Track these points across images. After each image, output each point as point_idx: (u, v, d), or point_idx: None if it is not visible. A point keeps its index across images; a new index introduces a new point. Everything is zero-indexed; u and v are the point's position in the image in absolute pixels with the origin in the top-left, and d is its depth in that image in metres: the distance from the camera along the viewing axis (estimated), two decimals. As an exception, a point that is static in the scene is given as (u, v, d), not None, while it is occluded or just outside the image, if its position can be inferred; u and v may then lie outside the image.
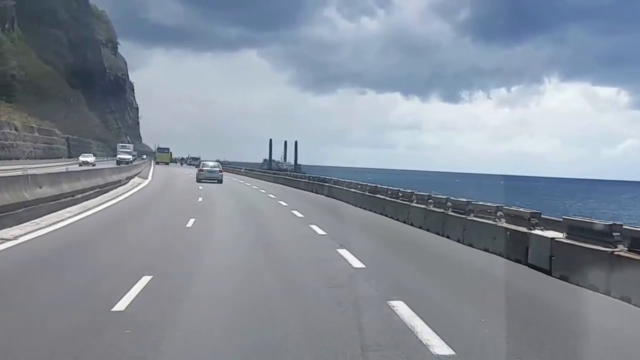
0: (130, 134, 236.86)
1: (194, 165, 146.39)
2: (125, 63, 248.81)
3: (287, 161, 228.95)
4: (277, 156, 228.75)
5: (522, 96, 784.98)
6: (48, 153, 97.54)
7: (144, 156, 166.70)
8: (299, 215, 31.50)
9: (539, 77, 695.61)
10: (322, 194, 49.73)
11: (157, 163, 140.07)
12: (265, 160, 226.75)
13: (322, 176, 56.13)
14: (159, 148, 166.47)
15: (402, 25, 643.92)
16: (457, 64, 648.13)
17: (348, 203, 40.48)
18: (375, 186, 35.74)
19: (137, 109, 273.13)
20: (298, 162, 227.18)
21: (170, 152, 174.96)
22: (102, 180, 43.49)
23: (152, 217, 28.66)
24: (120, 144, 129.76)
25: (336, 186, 46.57)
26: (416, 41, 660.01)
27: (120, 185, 50.60)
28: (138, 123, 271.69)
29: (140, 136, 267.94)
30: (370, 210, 34.81)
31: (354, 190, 40.74)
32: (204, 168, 70.45)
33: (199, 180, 65.94)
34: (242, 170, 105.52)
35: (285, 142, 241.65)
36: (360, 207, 37.26)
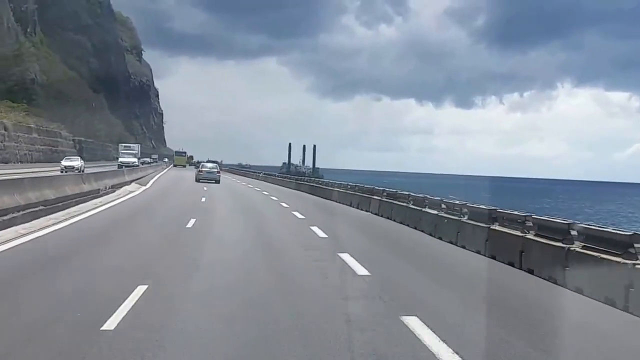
0: (154, 138, 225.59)
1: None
2: (150, 70, 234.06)
3: (306, 164, 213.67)
4: (296, 160, 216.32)
5: (534, 101, 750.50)
6: (50, 156, 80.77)
7: (166, 159, 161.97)
8: (354, 264, 15.13)
9: (552, 83, 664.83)
10: (367, 211, 32.70)
11: (175, 166, 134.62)
12: (284, 163, 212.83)
13: (364, 185, 39.00)
14: (176, 152, 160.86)
15: (418, 31, 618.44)
16: (471, 70, 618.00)
17: (422, 231, 23.65)
18: (495, 210, 18.57)
19: (162, 114, 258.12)
20: (316, 166, 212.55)
21: (190, 156, 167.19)
22: (53, 193, 26.93)
23: (65, 277, 12.07)
24: (124, 145, 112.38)
25: (394, 202, 29.32)
26: (432, 48, 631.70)
27: (96, 197, 34.31)
28: (163, 128, 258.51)
29: (164, 140, 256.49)
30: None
31: (430, 211, 23.66)
32: (202, 169, 67.53)
33: (198, 180, 63.27)
34: (260, 175, 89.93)
35: (304, 146, 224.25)
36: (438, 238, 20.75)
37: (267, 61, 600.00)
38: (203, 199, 38.38)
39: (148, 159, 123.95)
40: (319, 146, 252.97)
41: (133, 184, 49.47)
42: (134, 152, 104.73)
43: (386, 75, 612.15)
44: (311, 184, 55.85)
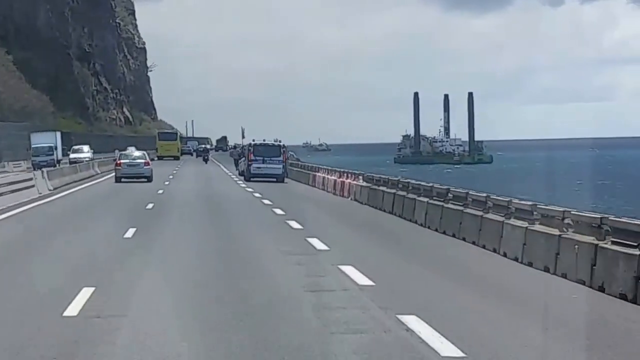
0: (131, 101, 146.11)
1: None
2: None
3: (453, 136, 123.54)
4: (430, 128, 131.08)
5: None
6: None
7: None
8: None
9: None
10: None
11: (160, 158, 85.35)
12: (407, 137, 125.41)
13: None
14: (160, 132, 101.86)
15: None
16: None
17: None
18: None
19: (145, 50, 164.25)
20: (475, 138, 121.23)
21: (223, 137, 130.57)
22: None
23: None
24: None
25: None
26: None
27: None
28: (148, 80, 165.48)
29: (153, 107, 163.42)
30: None
31: None
32: (122, 161, 44.63)
33: (118, 180, 43.27)
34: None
35: (446, 97, 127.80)
36: None
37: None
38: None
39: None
40: (452, 99, 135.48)
41: None
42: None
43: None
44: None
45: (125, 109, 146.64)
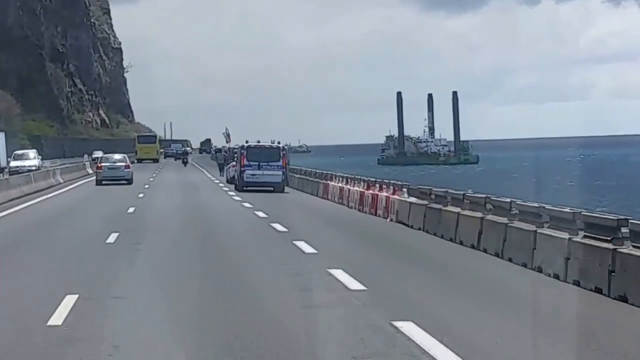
0: (108, 104, 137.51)
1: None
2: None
3: (438, 137, 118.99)
4: (413, 128, 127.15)
5: None
6: None
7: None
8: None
9: None
10: None
11: (139, 160, 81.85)
12: (390, 138, 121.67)
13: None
14: (139, 136, 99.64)
15: None
16: None
17: None
18: None
19: (121, 51, 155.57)
20: (460, 138, 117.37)
21: (206, 139, 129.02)
22: None
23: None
24: None
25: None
26: None
27: None
28: (125, 81, 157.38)
29: (129, 107, 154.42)
30: None
31: None
32: (103, 164, 44.89)
33: (99, 183, 43.31)
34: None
35: (430, 96, 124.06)
36: None
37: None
38: None
39: None
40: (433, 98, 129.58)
41: None
42: None
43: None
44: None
45: (101, 111, 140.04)
